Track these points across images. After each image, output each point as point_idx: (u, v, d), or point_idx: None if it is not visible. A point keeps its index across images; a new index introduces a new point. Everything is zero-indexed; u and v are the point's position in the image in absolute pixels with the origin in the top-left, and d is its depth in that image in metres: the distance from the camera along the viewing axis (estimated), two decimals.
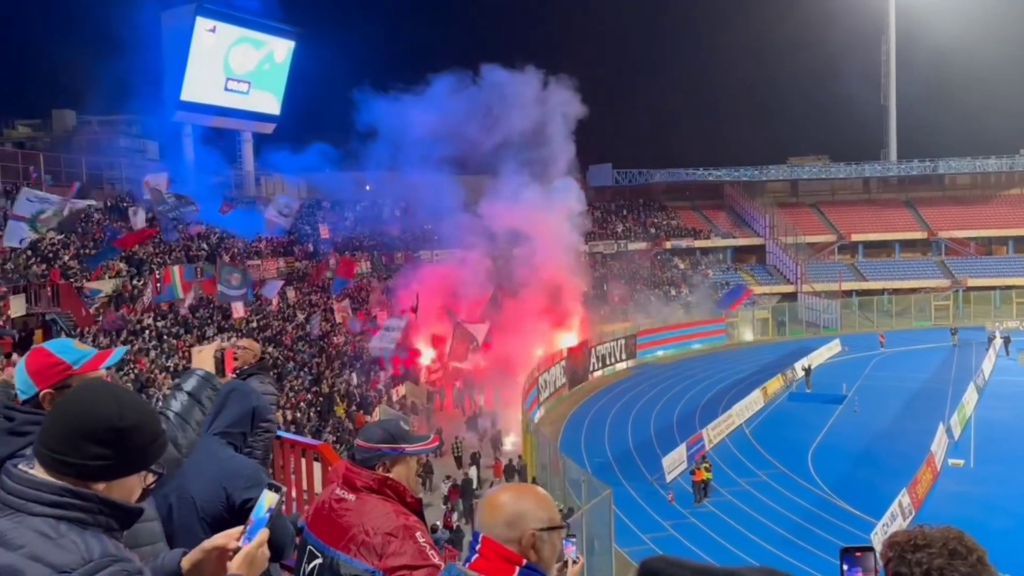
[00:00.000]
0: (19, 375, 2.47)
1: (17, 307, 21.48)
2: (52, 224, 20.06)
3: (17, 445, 2.34)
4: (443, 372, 36.75)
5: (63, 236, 26.82)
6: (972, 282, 58.91)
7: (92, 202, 21.22)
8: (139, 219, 30.42)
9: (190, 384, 2.94)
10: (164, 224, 30.82)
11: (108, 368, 2.63)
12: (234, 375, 4.81)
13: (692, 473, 23.44)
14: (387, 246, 45.49)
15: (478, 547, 2.10)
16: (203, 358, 3.06)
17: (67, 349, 2.52)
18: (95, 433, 1.77)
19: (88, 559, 1.66)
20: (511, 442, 28.69)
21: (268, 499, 2.13)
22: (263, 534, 2.09)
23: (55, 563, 1.63)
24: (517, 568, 2.07)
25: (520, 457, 26.34)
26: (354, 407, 29.21)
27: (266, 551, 2.10)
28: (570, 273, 43.89)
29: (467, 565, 2.09)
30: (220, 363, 3.29)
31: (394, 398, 32.30)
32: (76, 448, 1.76)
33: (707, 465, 23.51)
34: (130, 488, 1.86)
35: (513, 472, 24.74)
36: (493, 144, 42.68)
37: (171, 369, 23.36)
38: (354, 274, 37.83)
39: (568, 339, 40.82)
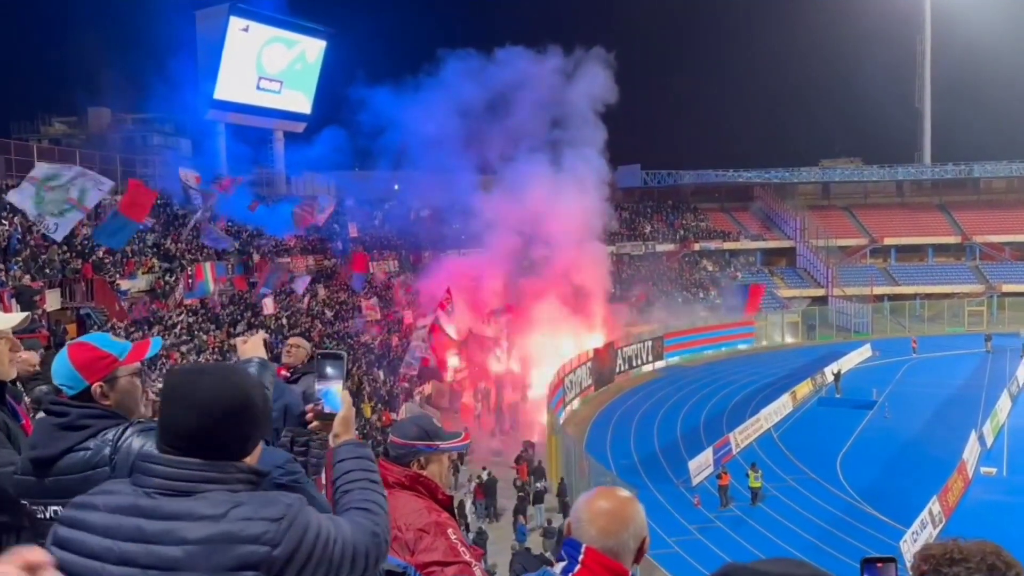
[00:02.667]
0: (63, 370, 2.48)
1: (53, 301, 21.87)
2: (62, 199, 19.68)
3: (74, 440, 2.37)
4: (469, 373, 36.85)
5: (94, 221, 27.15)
6: (1007, 287, 57.87)
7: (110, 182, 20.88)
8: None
9: (254, 371, 2.97)
10: (207, 231, 31.27)
11: (148, 359, 2.68)
12: (288, 374, 4.86)
13: (718, 477, 23.31)
14: (415, 245, 45.64)
15: (581, 557, 2.02)
16: (253, 346, 3.03)
17: (108, 342, 2.57)
18: (238, 420, 1.85)
19: (289, 503, 1.80)
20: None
21: (337, 390, 2.34)
22: (346, 396, 2.33)
23: (268, 516, 1.76)
24: None
25: (528, 448, 26.53)
26: (380, 404, 29.39)
27: (352, 408, 2.34)
28: (593, 263, 43.47)
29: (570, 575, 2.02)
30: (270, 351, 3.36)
31: (419, 398, 32.44)
32: (229, 441, 1.85)
33: (760, 473, 23.27)
34: (259, 451, 1.96)
35: (542, 473, 24.74)
36: (522, 132, 42.88)
37: None
38: (366, 269, 37.95)
39: (592, 340, 40.68)
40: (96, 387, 2.48)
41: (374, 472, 2.17)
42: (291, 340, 5.26)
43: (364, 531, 1.95)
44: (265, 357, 2.80)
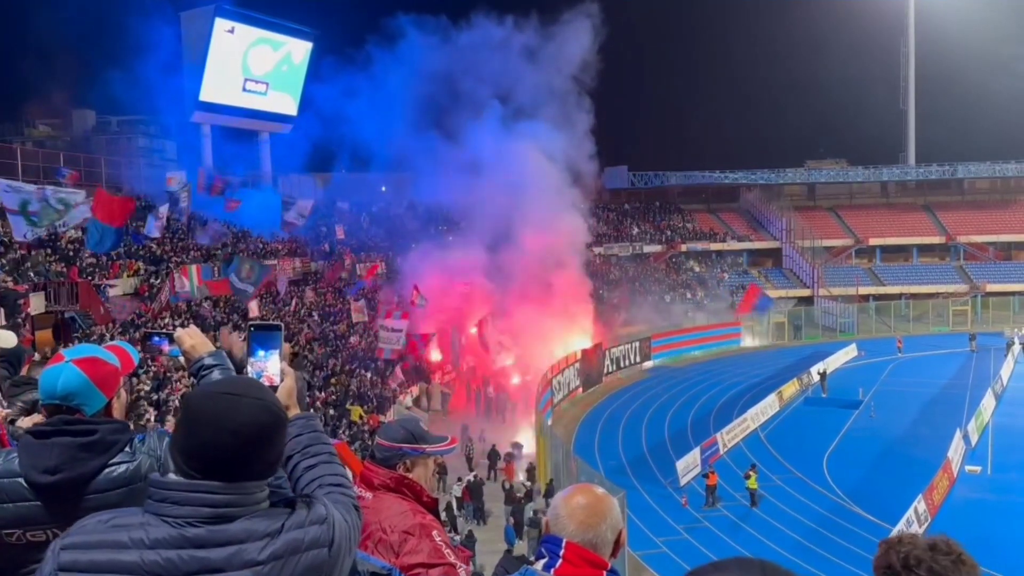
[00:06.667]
0: (81, 389, 2.41)
1: (37, 305, 21.69)
2: (51, 219, 19.82)
3: (108, 457, 2.34)
4: (456, 373, 36.75)
5: (82, 235, 26.99)
6: (991, 287, 58.38)
7: (74, 191, 20.39)
8: (162, 220, 30.33)
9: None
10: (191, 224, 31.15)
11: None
12: None
13: (705, 477, 23.37)
14: (402, 247, 45.59)
15: (562, 552, 2.07)
16: (200, 341, 2.68)
17: (106, 354, 2.55)
18: (277, 440, 1.86)
19: (323, 503, 1.91)
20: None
21: (276, 362, 2.35)
22: (287, 368, 2.35)
23: (316, 520, 1.85)
24: (604, 572, 2.08)
25: (513, 446, 26.67)
26: (368, 406, 29.29)
27: (294, 379, 2.37)
28: (568, 239, 43.07)
29: (552, 571, 2.06)
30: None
31: (406, 399, 32.36)
32: (271, 462, 1.85)
33: (756, 475, 23.19)
34: None
35: (533, 475, 24.72)
36: (504, 113, 43.14)
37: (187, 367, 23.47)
38: (373, 276, 37.79)
39: (581, 341, 40.67)
40: (114, 401, 2.48)
41: (330, 444, 2.20)
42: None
43: (349, 508, 2.00)
44: (213, 348, 2.66)
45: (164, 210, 29.33)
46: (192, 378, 2.56)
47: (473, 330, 37.39)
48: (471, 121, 42.88)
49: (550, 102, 44.12)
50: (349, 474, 2.23)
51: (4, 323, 19.26)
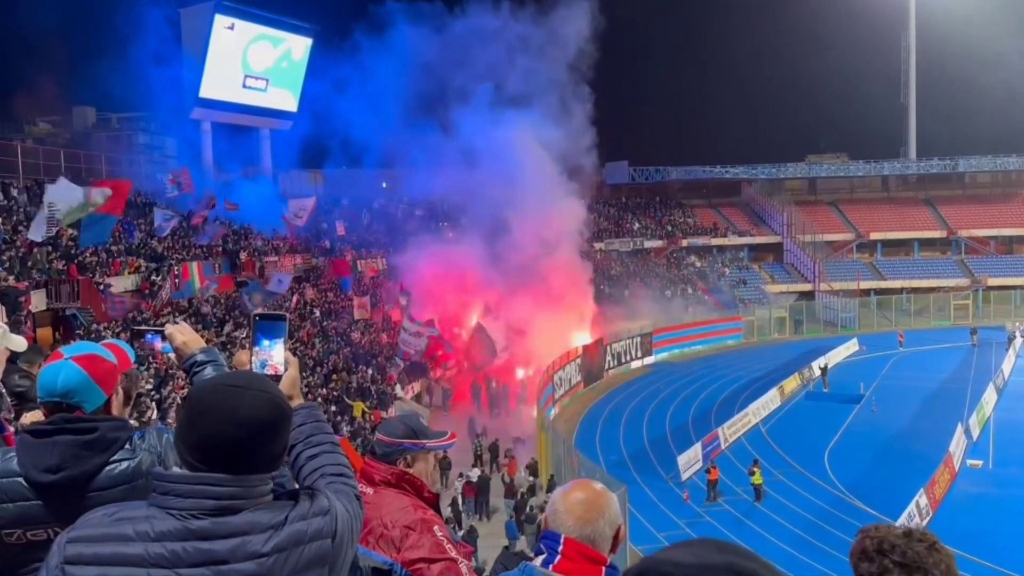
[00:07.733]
0: (82, 386, 2.40)
1: (39, 302, 21.72)
2: (74, 217, 19.98)
3: (109, 454, 2.34)
4: (458, 370, 36.74)
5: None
6: (992, 281, 58.40)
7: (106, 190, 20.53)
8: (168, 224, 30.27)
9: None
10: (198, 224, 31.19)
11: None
12: None
13: (707, 472, 23.38)
14: (402, 243, 45.54)
15: (560, 548, 2.07)
16: (192, 337, 2.67)
17: (104, 351, 2.55)
18: (281, 433, 1.87)
19: (325, 495, 1.92)
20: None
21: (281, 351, 2.37)
22: (291, 357, 2.36)
23: (319, 511, 1.86)
24: (603, 568, 2.07)
25: (514, 441, 26.66)
26: (370, 402, 29.32)
27: (297, 369, 2.40)
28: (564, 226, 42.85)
29: (551, 567, 2.05)
30: None
31: (408, 395, 32.37)
32: (275, 455, 1.86)
33: (759, 470, 23.14)
34: None
35: (535, 471, 24.73)
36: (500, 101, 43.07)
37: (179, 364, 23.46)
38: (349, 272, 37.67)
39: (582, 336, 40.67)
40: (113, 398, 2.48)
41: (332, 434, 2.21)
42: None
43: (351, 498, 2.01)
44: (204, 344, 2.67)
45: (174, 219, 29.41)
46: (185, 375, 2.57)
47: (474, 322, 37.41)
48: (470, 112, 42.85)
49: (551, 95, 44.06)
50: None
51: (6, 320, 19.27)
